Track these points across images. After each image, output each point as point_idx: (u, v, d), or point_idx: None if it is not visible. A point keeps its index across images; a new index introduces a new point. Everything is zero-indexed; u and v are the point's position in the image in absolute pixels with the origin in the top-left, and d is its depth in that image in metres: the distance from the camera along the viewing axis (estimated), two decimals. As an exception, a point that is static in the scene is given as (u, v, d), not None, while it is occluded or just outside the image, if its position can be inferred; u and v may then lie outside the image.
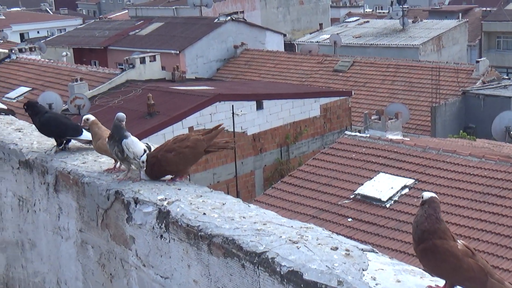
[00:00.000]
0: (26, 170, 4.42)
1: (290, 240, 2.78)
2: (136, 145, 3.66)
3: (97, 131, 3.82)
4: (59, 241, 4.19)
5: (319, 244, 2.75)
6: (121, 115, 3.77)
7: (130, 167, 3.75)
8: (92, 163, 4.02)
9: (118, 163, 3.80)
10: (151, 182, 3.57)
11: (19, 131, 4.97)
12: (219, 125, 3.68)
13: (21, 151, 4.46)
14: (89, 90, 31.43)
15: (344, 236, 2.89)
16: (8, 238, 4.86)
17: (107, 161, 4.00)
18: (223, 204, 3.27)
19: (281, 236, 2.83)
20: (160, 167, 3.58)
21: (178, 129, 25.56)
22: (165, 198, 3.32)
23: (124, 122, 3.73)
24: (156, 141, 19.64)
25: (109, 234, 3.66)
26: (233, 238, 2.86)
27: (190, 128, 26.46)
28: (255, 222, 3.01)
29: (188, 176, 3.67)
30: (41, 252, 4.44)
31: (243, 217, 3.08)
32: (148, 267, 3.37)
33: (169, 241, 3.18)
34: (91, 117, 3.88)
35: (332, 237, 2.82)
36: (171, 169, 3.64)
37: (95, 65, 46.12)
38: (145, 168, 3.59)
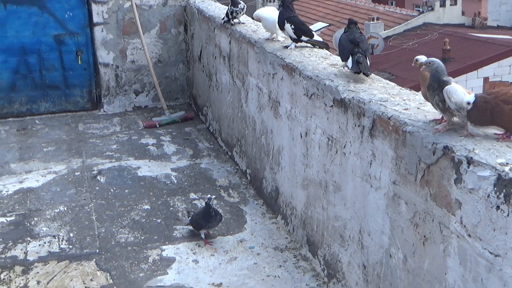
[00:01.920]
0: (340, 109, 4.17)
1: None
2: (458, 94, 3.17)
3: (427, 75, 3.39)
4: (367, 189, 3.89)
5: None
6: (436, 61, 3.30)
7: (451, 118, 3.29)
8: (415, 111, 3.62)
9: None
10: (488, 141, 3.07)
11: (334, 67, 4.73)
12: None
13: (337, 89, 4.20)
14: (384, 30, 31.04)
15: None
16: (312, 176, 4.71)
17: (432, 110, 3.57)
18: None
19: None
20: (491, 115, 3.06)
21: (472, 79, 24.20)
22: (507, 163, 2.80)
23: (442, 70, 3.26)
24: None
25: (429, 193, 3.25)
26: None
27: (485, 79, 24.89)
28: None
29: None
30: (346, 197, 4.20)
31: None
32: (475, 239, 2.91)
33: (508, 215, 2.69)
34: (422, 59, 3.46)
35: None
36: (502, 123, 3.11)
37: (392, 5, 45.45)
38: (469, 108, 3.10)
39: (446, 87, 3.15)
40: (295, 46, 5.39)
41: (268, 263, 4.83)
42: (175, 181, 6.33)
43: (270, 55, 5.42)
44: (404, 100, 3.84)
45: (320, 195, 4.61)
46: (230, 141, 6.85)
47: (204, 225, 5.13)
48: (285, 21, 5.30)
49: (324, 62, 4.88)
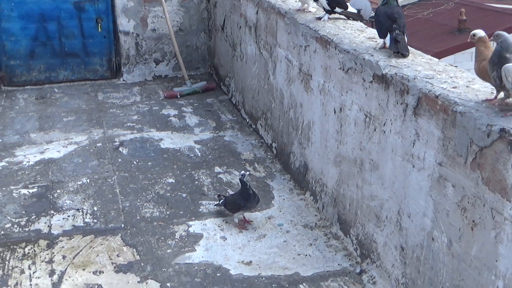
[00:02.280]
0: (381, 85, 3.99)
1: None
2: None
3: (483, 51, 3.21)
4: (409, 170, 3.74)
5: None
6: (504, 35, 3.12)
7: (506, 98, 3.13)
8: (464, 89, 3.45)
9: (501, 93, 3.17)
10: (549, 124, 2.91)
11: (372, 40, 4.54)
12: None
13: (378, 64, 4.03)
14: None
15: None
16: (345, 153, 4.56)
17: (482, 89, 3.40)
18: None
19: None
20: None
21: (488, 50, 23.78)
22: None
23: (508, 46, 3.07)
24: (462, 58, 18.42)
25: (480, 177, 3.10)
26: None
27: None
28: None
29: None
30: (384, 176, 4.05)
31: None
32: (534, 227, 2.76)
33: None
34: (480, 34, 3.27)
35: None
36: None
37: (407, -26, 44.77)
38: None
39: (506, 65, 2.97)
40: (329, 17, 5.20)
41: (298, 241, 4.70)
42: (199, 154, 6.19)
43: (302, 26, 5.23)
44: (451, 77, 3.66)
45: (355, 173, 4.46)
46: (254, 114, 6.70)
47: (243, 206, 4.85)
48: (320, -8, 5.11)
49: (361, 35, 4.69)
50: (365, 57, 4.20)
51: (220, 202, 5.07)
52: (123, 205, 5.23)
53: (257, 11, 6.40)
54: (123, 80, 8.32)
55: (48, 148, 6.33)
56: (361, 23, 5.13)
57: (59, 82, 8.23)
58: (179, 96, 7.71)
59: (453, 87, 3.48)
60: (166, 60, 8.39)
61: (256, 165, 5.97)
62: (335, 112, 4.72)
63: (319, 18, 5.23)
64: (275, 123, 6.08)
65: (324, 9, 5.18)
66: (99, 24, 8.13)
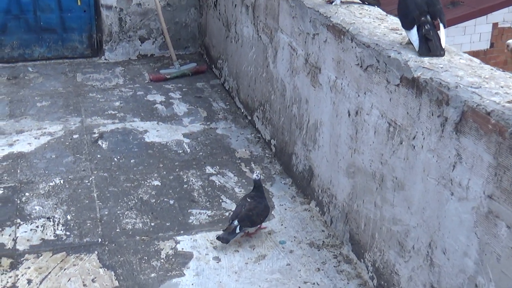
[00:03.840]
0: (410, 90, 3.31)
1: None
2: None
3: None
4: (446, 197, 3.08)
5: None
6: None
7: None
8: (523, 105, 2.77)
9: None
10: None
11: (396, 32, 3.84)
12: None
13: (407, 64, 3.34)
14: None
15: None
16: (361, 164, 3.89)
17: (546, 106, 2.72)
18: None
19: None
20: None
21: (481, 24, 23.15)
22: None
23: None
24: (456, 33, 17.76)
25: (550, 222, 2.44)
26: None
27: (495, 25, 23.87)
28: None
29: None
30: (411, 198, 3.39)
31: None
32: None
33: None
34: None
35: None
36: None
37: None
38: None
39: None
40: (341, 1, 4.49)
41: (304, 264, 4.05)
42: (188, 150, 5.50)
43: (310, 11, 4.52)
44: (502, 86, 2.98)
45: (373, 189, 3.80)
46: (250, 104, 6.00)
47: (263, 219, 4.25)
48: (331, -28, 4.39)
49: (382, 25, 3.99)
50: (391, 55, 3.51)
51: (234, 217, 4.13)
52: (101, 213, 4.55)
53: (256, -11, 5.66)
54: (105, 59, 7.57)
55: (18, 140, 5.61)
56: (379, 9, 4.42)
57: (34, 60, 7.47)
58: (166, 78, 6.98)
59: (509, 101, 2.80)
60: (152, 38, 7.64)
61: (253, 165, 5.29)
62: (349, 115, 4.04)
63: (330, 2, 4.52)
64: (274, 117, 5.38)
65: (337, -9, 4.46)
66: (79, -3, 7.35)
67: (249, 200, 4.22)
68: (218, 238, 4.11)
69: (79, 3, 7.35)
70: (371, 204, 3.83)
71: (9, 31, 7.30)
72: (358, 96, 3.91)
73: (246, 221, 4.13)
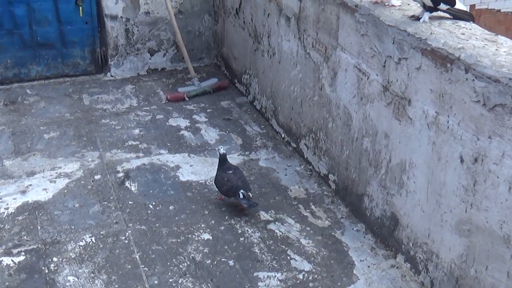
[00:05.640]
0: None
1: None
2: None
3: None
4: None
5: None
6: None
7: None
8: None
9: None
10: None
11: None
12: None
13: None
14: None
15: None
16: (484, 223, 3.19)
17: None
18: None
19: None
20: None
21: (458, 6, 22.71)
22: None
23: None
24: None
25: None
26: None
27: (472, 6, 23.38)
28: None
29: None
30: None
31: None
32: None
33: None
34: None
35: None
36: None
37: None
38: None
39: None
40: (429, 17, 3.74)
41: None
42: (233, 189, 4.70)
43: (392, 30, 3.76)
44: None
45: (504, 255, 3.07)
46: (295, 129, 5.23)
47: (241, 186, 4.36)
48: (419, -19, 3.64)
49: (501, 51, 3.24)
50: (537, 94, 2.77)
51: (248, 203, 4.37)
52: (149, 283, 3.77)
53: (302, -2, 4.88)
54: (111, 76, 6.72)
55: (31, 185, 4.78)
56: (478, 26, 3.67)
57: (31, 80, 6.60)
58: (186, 99, 6.17)
59: None
60: (163, 49, 6.81)
61: (313, 207, 4.54)
62: (462, 161, 3.30)
63: (416, 18, 3.77)
64: (333, 148, 4.63)
65: (424, 4, 3.71)
66: (80, 7, 6.48)
67: (233, 170, 4.48)
68: (251, 206, 4.35)
69: (80, 14, 6.48)
70: (501, 274, 3.11)
71: (2, 48, 6.42)
72: (478, 139, 3.17)
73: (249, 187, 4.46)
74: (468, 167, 3.27)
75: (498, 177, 3.07)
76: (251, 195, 4.37)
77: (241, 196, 4.32)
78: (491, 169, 3.11)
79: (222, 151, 4.51)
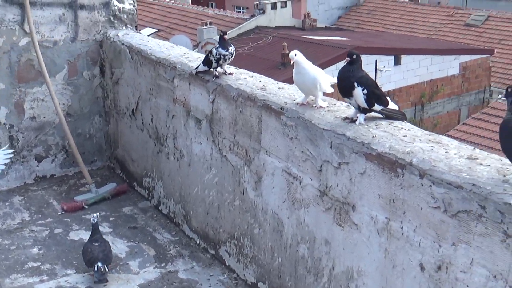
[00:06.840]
0: None
1: None
2: None
3: None
4: None
5: None
6: None
7: None
8: None
9: None
10: None
11: (481, 164, 3.06)
12: None
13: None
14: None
15: None
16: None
17: None
18: None
19: None
20: None
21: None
22: None
23: None
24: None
25: None
26: None
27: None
28: None
29: None
30: None
31: None
32: None
33: None
34: None
35: None
36: None
37: (212, 6, 44.87)
38: None
39: None
40: (365, 119, 3.66)
41: None
42: (158, 311, 4.33)
43: (328, 134, 3.65)
44: None
45: None
46: (212, 234, 4.96)
47: (100, 258, 4.51)
48: (356, 84, 3.57)
49: (451, 153, 3.20)
50: (501, 199, 2.71)
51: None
52: None
53: (214, 100, 4.69)
54: (-5, 187, 6.14)
55: None
56: (413, 125, 3.64)
57: None
58: (85, 207, 5.73)
59: None
60: (52, 155, 6.35)
61: (249, 321, 4.23)
62: (422, 269, 3.18)
63: (351, 120, 3.68)
64: (262, 255, 4.40)
65: (359, 106, 3.63)
66: (-43, 116, 5.92)
67: (100, 242, 4.62)
68: (100, 280, 4.48)
69: (-43, 124, 5.92)
70: None
71: None
72: (440, 247, 3.07)
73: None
74: (430, 275, 3.15)
75: (467, 286, 2.96)
76: (107, 269, 4.48)
77: (96, 268, 4.44)
78: (459, 277, 3.00)
79: (94, 220, 4.68)
